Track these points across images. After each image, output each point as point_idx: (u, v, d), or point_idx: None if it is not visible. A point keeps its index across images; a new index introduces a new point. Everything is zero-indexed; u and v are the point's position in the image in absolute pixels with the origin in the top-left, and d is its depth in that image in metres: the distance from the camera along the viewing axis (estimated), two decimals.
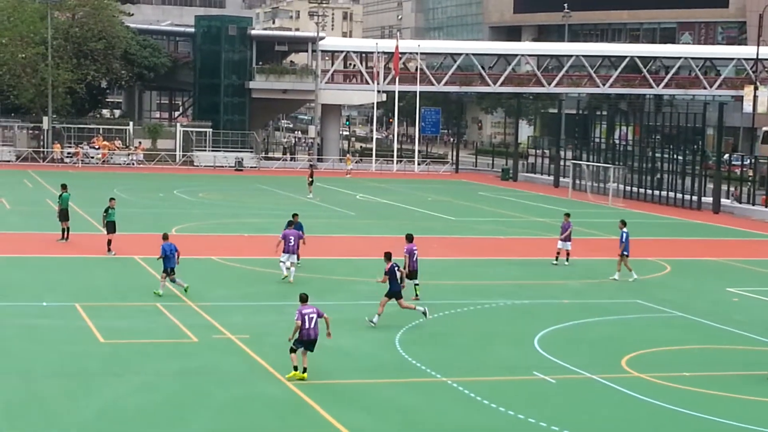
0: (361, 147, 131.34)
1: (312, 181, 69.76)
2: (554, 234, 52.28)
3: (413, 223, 55.23)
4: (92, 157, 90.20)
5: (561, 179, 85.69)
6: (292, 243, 35.76)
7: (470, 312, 32.46)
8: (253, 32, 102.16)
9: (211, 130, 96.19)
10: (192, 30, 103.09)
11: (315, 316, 23.87)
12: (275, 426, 20.43)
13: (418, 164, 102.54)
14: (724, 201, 70.16)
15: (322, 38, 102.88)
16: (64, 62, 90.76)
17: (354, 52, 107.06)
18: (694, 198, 71.16)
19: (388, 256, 29.57)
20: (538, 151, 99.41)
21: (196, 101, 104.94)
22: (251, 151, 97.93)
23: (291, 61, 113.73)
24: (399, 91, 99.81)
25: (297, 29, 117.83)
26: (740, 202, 70.42)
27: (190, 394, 22.26)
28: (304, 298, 24.27)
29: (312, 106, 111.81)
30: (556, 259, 42.09)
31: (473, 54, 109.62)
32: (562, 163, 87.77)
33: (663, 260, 44.89)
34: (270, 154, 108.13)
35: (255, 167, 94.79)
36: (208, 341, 27.04)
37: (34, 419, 20.19)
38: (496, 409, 21.95)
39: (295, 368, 23.66)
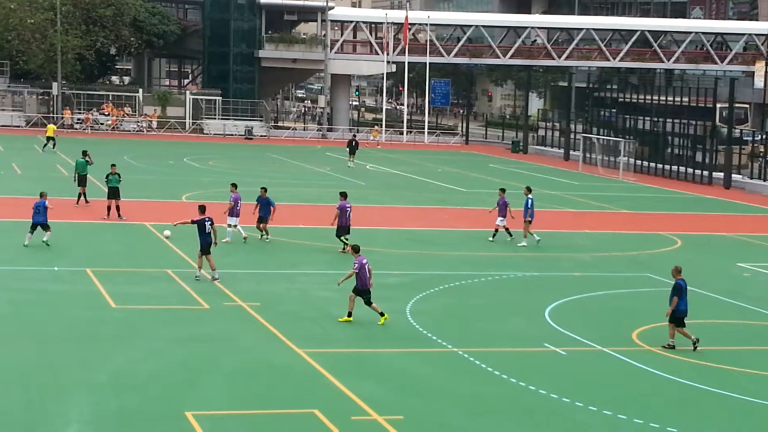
0: (372, 118, 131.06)
1: (353, 148, 69.91)
2: (567, 207, 52.27)
3: (423, 194, 55.29)
4: (102, 124, 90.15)
5: (571, 152, 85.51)
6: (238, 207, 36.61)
7: (481, 283, 32.44)
8: (262, 1, 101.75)
9: (220, 98, 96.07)
10: None
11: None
12: (286, 394, 20.44)
13: (428, 135, 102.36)
14: (735, 176, 69.94)
15: (331, 8, 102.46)
16: (73, 28, 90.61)
17: (363, 22, 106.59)
18: (705, 173, 71.00)
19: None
20: (548, 124, 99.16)
21: (206, 69, 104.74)
22: (261, 120, 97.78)
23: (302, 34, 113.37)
24: (409, 62, 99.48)
25: None
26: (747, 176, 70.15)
27: (201, 360, 22.28)
28: (357, 249, 26.30)
29: (322, 75, 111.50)
30: (493, 236, 40.26)
31: (483, 26, 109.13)
32: (572, 136, 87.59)
33: (674, 234, 44.79)
34: (280, 123, 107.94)
35: (265, 136, 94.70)
36: (219, 308, 27.06)
37: (47, 383, 20.21)
38: (507, 380, 21.96)
39: (349, 314, 26.11)
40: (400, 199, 53.01)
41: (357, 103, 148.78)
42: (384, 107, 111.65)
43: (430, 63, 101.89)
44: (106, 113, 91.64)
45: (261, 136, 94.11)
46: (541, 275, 34.27)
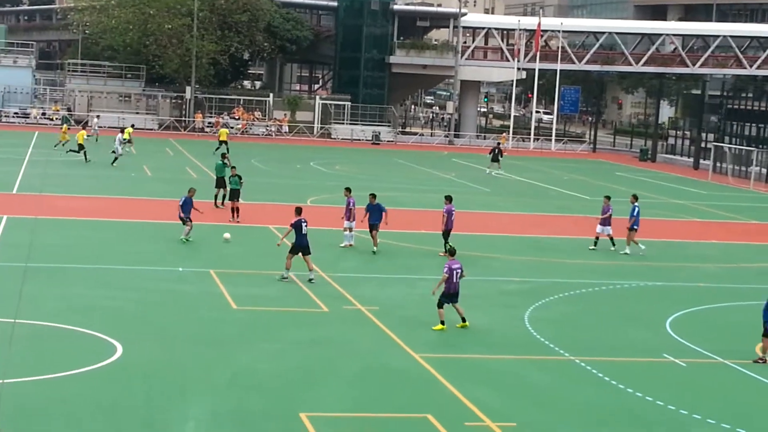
0: (500, 125, 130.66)
1: (496, 156, 69.86)
2: (694, 217, 51.47)
3: (548, 201, 54.97)
4: (232, 127, 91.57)
5: (701, 161, 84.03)
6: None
7: (602, 292, 32.13)
8: (395, 7, 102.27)
9: (349, 103, 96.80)
10: (335, 4, 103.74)
11: (460, 270, 25.86)
12: (403, 399, 20.53)
13: (555, 143, 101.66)
14: None
15: (464, 14, 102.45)
16: (209, 33, 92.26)
17: (495, 28, 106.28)
18: None
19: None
20: (678, 132, 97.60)
21: (336, 74, 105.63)
22: (389, 125, 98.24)
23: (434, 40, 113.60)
24: (539, 69, 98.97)
25: (439, 5, 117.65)
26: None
27: (320, 363, 22.51)
28: (453, 252, 26.01)
29: (451, 81, 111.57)
30: (595, 244, 39.65)
31: (616, 33, 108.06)
32: (703, 144, 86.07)
33: None
34: (407, 129, 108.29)
35: (392, 141, 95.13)
36: (338, 312, 27.29)
37: (171, 382, 20.64)
38: (624, 390, 21.72)
39: (442, 322, 25.75)
40: (523, 206, 52.76)
41: (485, 109, 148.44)
42: (512, 114, 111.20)
43: (560, 70, 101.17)
44: (237, 117, 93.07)
45: (388, 141, 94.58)
46: (664, 285, 33.79)
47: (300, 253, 30.49)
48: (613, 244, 39.28)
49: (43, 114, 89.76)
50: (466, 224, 44.64)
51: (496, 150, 71.31)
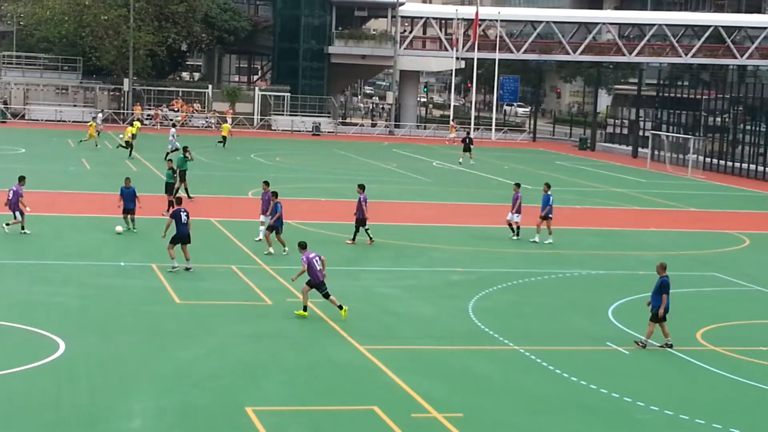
0: (440, 115, 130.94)
1: (468, 146, 70.15)
2: (633, 205, 51.98)
3: (489, 191, 55.18)
4: (171, 120, 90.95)
5: (640, 150, 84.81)
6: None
7: (544, 281, 32.33)
8: None
9: (289, 94, 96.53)
10: None
11: (319, 258, 25.95)
12: (348, 391, 20.54)
13: (495, 132, 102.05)
14: None
15: (401, 4, 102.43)
16: (146, 24, 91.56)
17: (434, 18, 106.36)
18: None
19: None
20: (616, 121, 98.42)
21: (275, 65, 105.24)
22: (329, 116, 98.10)
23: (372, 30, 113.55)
24: (478, 59, 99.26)
25: None
26: None
27: (265, 357, 22.46)
28: (303, 245, 26.40)
29: (390, 72, 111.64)
30: (513, 232, 39.45)
31: (554, 22, 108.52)
32: (641, 133, 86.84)
33: (742, 233, 44.28)
34: (348, 120, 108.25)
35: (333, 132, 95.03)
36: (282, 304, 27.20)
37: (112, 377, 20.50)
38: (568, 379, 21.88)
39: (304, 308, 25.96)
40: (465, 196, 52.94)
41: (425, 99, 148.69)
42: (452, 104, 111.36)
43: (499, 59, 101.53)
44: (176, 109, 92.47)
45: (328, 132, 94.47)
46: (605, 273, 34.08)
47: (180, 243, 30.39)
48: (515, 233, 39.35)
49: None
50: (408, 215, 44.81)
51: (467, 140, 71.53)
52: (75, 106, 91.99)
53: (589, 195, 56.01)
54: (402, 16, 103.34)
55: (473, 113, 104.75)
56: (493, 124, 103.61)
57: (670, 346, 24.66)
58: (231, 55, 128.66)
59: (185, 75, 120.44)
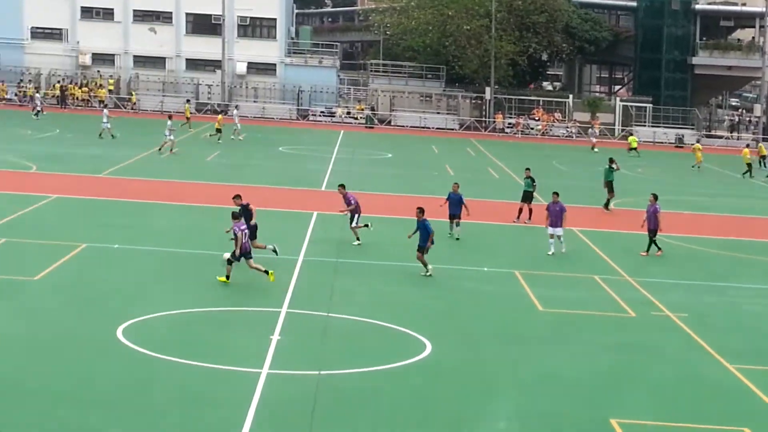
0: None
1: None
2: None
3: None
4: (532, 129, 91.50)
5: None
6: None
7: None
8: (697, 7, 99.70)
9: (651, 105, 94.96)
10: (634, 4, 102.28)
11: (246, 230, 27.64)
12: (715, 409, 19.91)
13: None
14: None
15: None
16: (507, 34, 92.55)
17: None
18: None
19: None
20: None
21: (636, 76, 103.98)
22: (692, 128, 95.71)
23: (737, 39, 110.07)
24: None
25: (743, 4, 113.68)
26: None
27: (629, 368, 22.14)
28: (235, 215, 27.93)
29: (758, 83, 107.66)
30: None
31: None
32: None
33: None
34: (712, 132, 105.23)
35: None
36: (646, 317, 26.73)
37: (476, 380, 20.78)
38: None
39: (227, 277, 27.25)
40: None
41: None
42: None
43: None
44: (536, 118, 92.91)
45: (690, 145, 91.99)
46: None
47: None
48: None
49: (348, 113, 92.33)
50: None
51: None
52: (438, 113, 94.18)
53: None
54: None
55: None
56: None
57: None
58: (591, 65, 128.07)
59: (546, 84, 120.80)
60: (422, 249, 29.75)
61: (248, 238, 27.67)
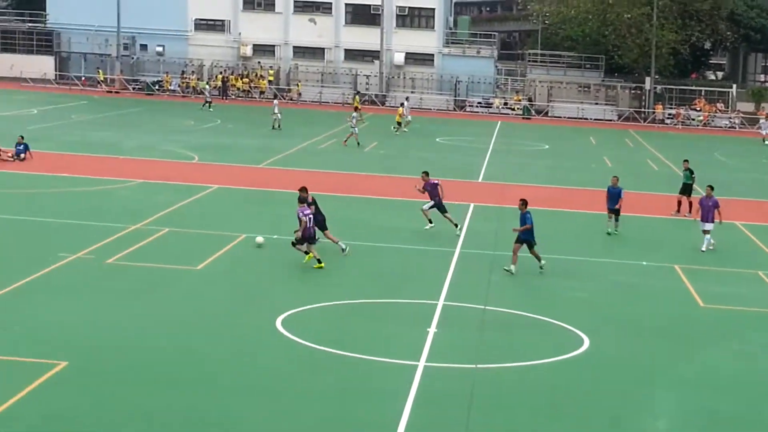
0: None
1: None
2: None
3: None
4: (693, 119, 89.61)
5: None
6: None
7: None
8: None
9: None
10: None
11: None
12: None
13: None
14: None
15: None
16: (669, 23, 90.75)
17: None
18: None
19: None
20: None
21: None
22: None
23: None
24: None
25: None
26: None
27: None
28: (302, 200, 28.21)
29: None
30: None
31: None
32: None
33: None
34: None
35: None
36: None
37: (635, 376, 20.58)
38: None
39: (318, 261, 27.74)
40: None
41: None
42: None
43: None
44: (698, 109, 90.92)
45: None
46: None
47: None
48: None
49: (505, 104, 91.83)
50: None
51: None
52: (596, 104, 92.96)
53: None
54: None
55: None
56: None
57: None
58: (757, 54, 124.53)
59: (709, 74, 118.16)
60: (524, 242, 28.69)
61: (312, 224, 28.09)
